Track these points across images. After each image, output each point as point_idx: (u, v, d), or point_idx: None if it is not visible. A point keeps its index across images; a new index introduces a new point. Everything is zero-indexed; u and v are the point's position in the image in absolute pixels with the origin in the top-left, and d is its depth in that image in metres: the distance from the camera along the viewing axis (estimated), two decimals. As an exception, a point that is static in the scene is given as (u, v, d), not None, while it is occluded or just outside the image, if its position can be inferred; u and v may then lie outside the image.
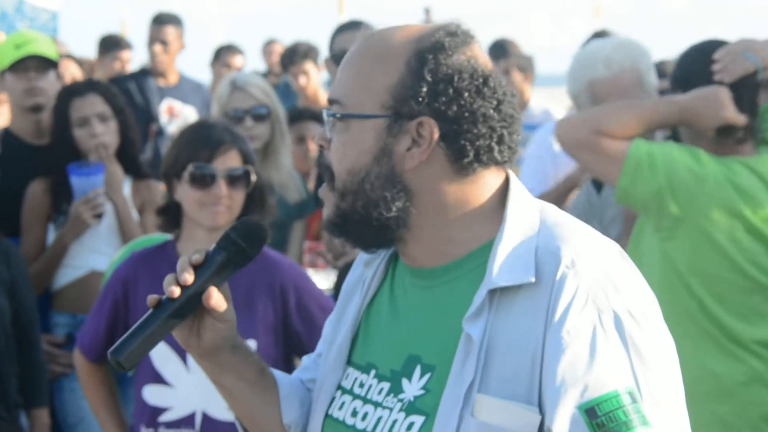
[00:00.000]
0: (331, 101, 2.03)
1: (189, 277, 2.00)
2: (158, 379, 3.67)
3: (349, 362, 2.13)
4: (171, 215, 3.79)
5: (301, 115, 6.48)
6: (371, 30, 2.11)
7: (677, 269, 3.81)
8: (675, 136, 4.04)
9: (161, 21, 7.96)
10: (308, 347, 3.63)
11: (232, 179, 3.68)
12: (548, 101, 9.34)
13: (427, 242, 2.02)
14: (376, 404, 2.04)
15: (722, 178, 3.77)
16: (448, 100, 1.97)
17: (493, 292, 1.95)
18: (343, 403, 2.10)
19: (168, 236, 3.91)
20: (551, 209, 2.05)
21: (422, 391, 1.99)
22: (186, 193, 3.69)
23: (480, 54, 2.03)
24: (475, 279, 1.98)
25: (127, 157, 4.98)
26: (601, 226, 4.46)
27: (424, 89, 1.97)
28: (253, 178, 3.72)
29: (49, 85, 5.07)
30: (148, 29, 7.95)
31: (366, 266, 2.20)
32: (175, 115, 7.60)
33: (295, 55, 8.42)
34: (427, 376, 1.99)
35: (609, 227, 4.50)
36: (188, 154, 3.69)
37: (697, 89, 3.82)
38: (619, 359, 1.89)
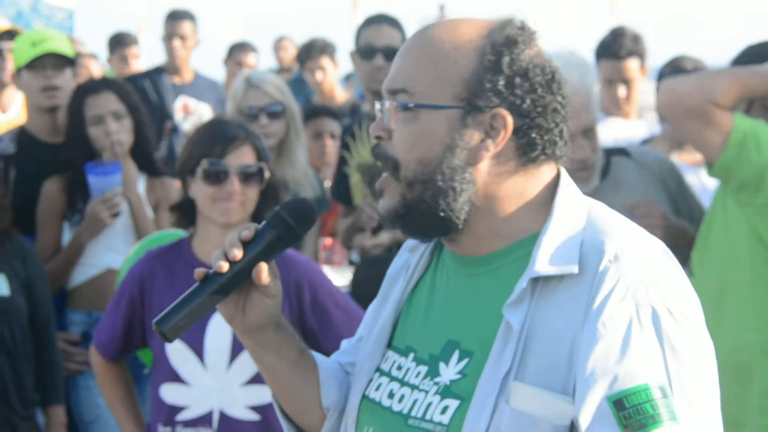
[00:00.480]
0: (394, 91, 2.05)
1: (238, 253, 2.01)
2: (175, 377, 3.67)
3: (390, 345, 2.17)
4: (186, 212, 3.79)
5: (318, 111, 6.49)
6: (426, 23, 2.12)
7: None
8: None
9: (177, 17, 7.97)
10: (323, 344, 3.63)
11: (246, 176, 3.67)
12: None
13: (479, 232, 2.05)
14: (413, 387, 2.07)
15: None
16: (523, 93, 2.01)
17: (535, 282, 1.98)
18: (379, 385, 2.13)
19: (181, 232, 3.91)
20: (600, 206, 2.08)
21: (458, 376, 2.01)
22: (199, 190, 3.69)
23: (542, 49, 2.08)
24: (519, 268, 2.01)
25: (142, 155, 4.98)
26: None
27: (502, 82, 2.01)
28: (267, 174, 3.72)
29: (66, 83, 5.07)
30: (164, 26, 7.96)
31: (411, 252, 2.23)
32: (190, 113, 7.60)
33: (312, 50, 8.43)
34: (464, 362, 2.02)
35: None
36: (202, 150, 3.68)
37: None
38: (652, 354, 1.89)
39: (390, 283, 2.25)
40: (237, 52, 9.55)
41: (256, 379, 3.62)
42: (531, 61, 2.02)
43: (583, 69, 3.93)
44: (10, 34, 5.50)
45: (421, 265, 2.19)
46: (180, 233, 3.98)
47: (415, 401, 2.05)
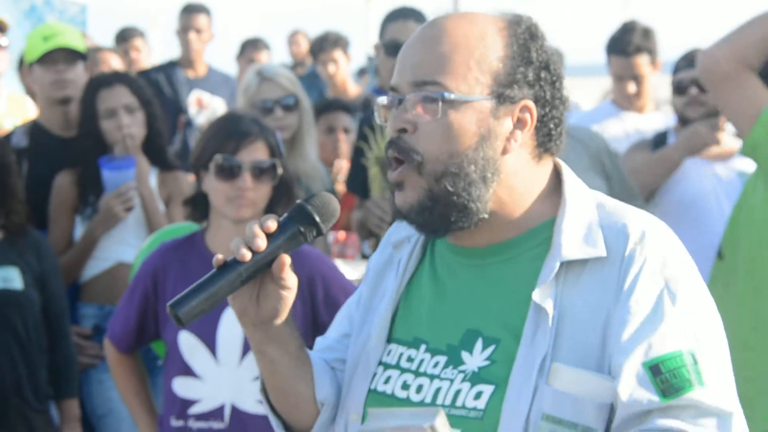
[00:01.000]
0: (422, 83, 2.05)
1: (262, 244, 2.00)
2: (188, 371, 3.67)
3: (390, 339, 2.16)
4: (199, 206, 3.79)
5: (330, 105, 6.47)
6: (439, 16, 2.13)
7: None
8: None
9: (193, 10, 7.97)
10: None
11: (258, 171, 3.66)
12: (576, 92, 9.30)
13: (495, 222, 2.08)
14: (432, 376, 2.08)
15: None
16: (545, 84, 2.07)
17: (561, 266, 2.02)
18: (389, 378, 2.12)
19: (193, 225, 3.91)
20: (599, 192, 2.15)
21: (487, 362, 2.03)
22: (212, 185, 3.69)
23: None
24: (538, 255, 2.06)
25: (154, 149, 4.98)
26: None
27: (531, 73, 2.05)
28: (280, 170, 3.71)
29: (78, 77, 5.07)
30: (179, 19, 7.95)
31: (396, 248, 2.24)
32: (204, 107, 7.60)
33: (325, 43, 8.43)
34: (491, 348, 2.04)
35: None
36: (215, 146, 3.68)
37: None
38: (682, 323, 1.97)
39: (376, 279, 2.25)
40: (249, 49, 9.55)
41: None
42: (551, 53, 2.08)
43: None
44: None
45: (414, 260, 2.20)
46: (192, 226, 3.98)
47: (437, 390, 2.06)
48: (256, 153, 3.67)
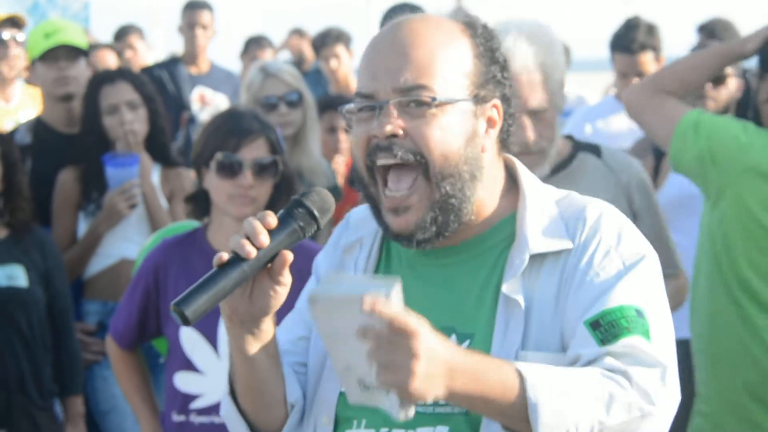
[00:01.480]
0: (412, 88, 2.05)
1: (265, 240, 1.99)
2: (189, 366, 3.67)
3: None
4: (200, 202, 3.79)
5: (333, 103, 6.46)
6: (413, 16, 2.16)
7: (717, 236, 3.85)
8: (756, 118, 3.98)
9: (196, 6, 7.96)
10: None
11: (260, 169, 3.66)
12: (581, 87, 9.29)
13: (467, 221, 2.11)
14: None
15: (765, 149, 3.77)
16: (506, 83, 2.13)
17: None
18: None
19: (196, 223, 3.91)
20: (550, 186, 2.18)
21: None
22: (213, 182, 3.68)
23: None
24: (503, 249, 2.09)
25: (157, 145, 4.98)
26: None
27: (498, 73, 2.10)
28: (281, 167, 3.70)
29: (80, 74, 5.07)
30: (182, 15, 7.94)
31: (346, 252, 2.23)
32: (207, 103, 7.60)
33: (327, 38, 8.43)
34: (466, 343, 2.06)
35: None
36: (216, 143, 3.68)
37: None
38: (632, 288, 2.02)
39: None
40: (254, 47, 9.54)
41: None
42: (505, 52, 2.14)
43: (544, 46, 3.41)
44: (12, 22, 5.47)
45: (372, 262, 2.19)
46: (195, 224, 3.97)
47: None
48: (258, 150, 3.67)
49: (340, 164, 5.99)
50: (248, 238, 1.99)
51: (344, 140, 6.32)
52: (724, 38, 5.83)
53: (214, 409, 3.64)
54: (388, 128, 2.05)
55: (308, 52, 10.16)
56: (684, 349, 3.34)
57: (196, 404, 3.67)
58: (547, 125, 3.47)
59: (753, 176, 3.78)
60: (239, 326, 2.08)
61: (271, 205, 3.72)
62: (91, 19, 9.17)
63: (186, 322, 1.97)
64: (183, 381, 3.69)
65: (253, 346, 2.10)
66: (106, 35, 9.17)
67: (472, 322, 2.07)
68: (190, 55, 7.79)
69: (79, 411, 4.54)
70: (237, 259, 1.99)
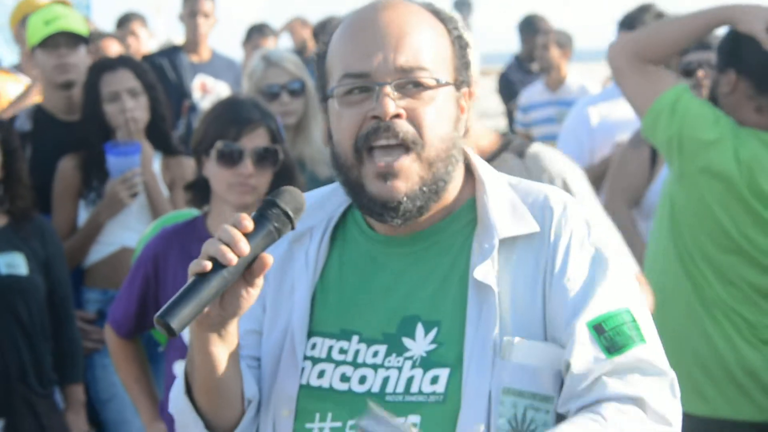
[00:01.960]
0: (412, 69, 2.05)
1: (245, 248, 1.96)
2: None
3: (310, 333, 2.13)
4: (200, 191, 3.77)
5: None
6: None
7: (677, 205, 3.93)
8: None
9: None
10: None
11: (260, 158, 3.65)
12: (584, 77, 9.27)
13: (432, 207, 2.11)
14: (376, 366, 2.06)
15: (730, 146, 3.80)
16: (472, 68, 2.15)
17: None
18: (323, 372, 2.09)
19: (196, 212, 3.90)
20: (503, 174, 2.20)
21: (434, 345, 2.04)
22: (213, 171, 3.67)
23: None
24: (466, 235, 2.09)
25: (158, 133, 4.97)
26: None
27: (469, 59, 2.12)
28: (281, 156, 3.69)
29: (80, 61, 5.06)
30: (183, 4, 7.93)
31: (295, 242, 2.19)
32: (208, 91, 7.58)
33: (328, 26, 8.41)
34: (433, 332, 2.05)
35: None
36: (216, 131, 3.66)
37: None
38: (617, 284, 2.04)
39: (278, 274, 2.18)
40: (256, 35, 9.51)
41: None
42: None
43: None
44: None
45: (323, 252, 2.16)
46: (195, 213, 3.96)
47: (386, 379, 2.04)
48: (258, 139, 3.65)
49: None
50: (228, 245, 1.95)
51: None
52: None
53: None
54: (392, 108, 2.03)
55: (310, 41, 10.15)
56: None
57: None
58: None
59: (708, 177, 3.84)
60: (207, 329, 2.03)
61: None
62: (93, 6, 9.15)
63: (172, 333, 1.94)
64: (182, 369, 3.67)
65: (218, 348, 2.05)
66: (108, 23, 9.15)
67: (437, 309, 2.06)
68: (192, 43, 7.77)
69: (79, 399, 4.54)
70: (217, 266, 1.96)
